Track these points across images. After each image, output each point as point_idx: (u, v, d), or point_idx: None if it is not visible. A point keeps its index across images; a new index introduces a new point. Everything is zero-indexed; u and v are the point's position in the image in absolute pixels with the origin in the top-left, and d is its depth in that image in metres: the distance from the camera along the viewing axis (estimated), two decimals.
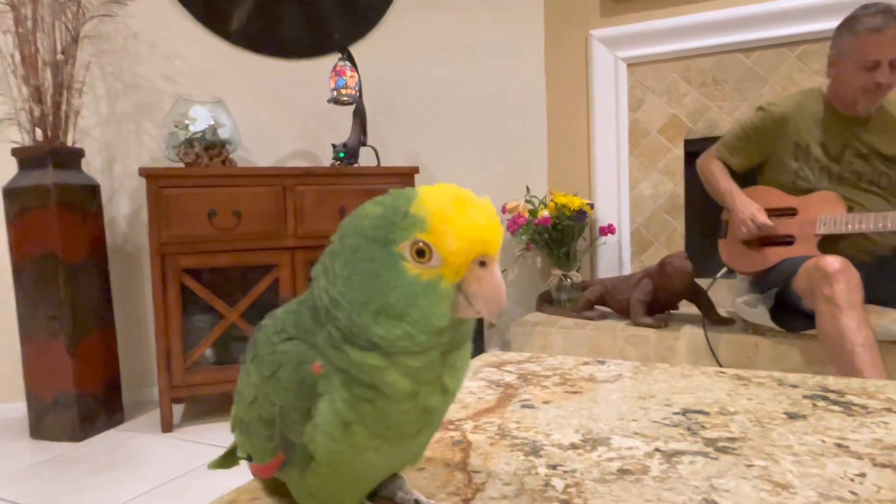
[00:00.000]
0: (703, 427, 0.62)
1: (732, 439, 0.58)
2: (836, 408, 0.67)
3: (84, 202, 1.90)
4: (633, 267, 2.61)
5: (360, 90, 2.18)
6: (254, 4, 2.36)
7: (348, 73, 2.14)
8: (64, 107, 1.92)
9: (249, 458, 0.46)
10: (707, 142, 2.31)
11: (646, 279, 2.10)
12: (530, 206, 2.48)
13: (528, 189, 2.56)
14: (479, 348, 2.34)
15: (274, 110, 2.42)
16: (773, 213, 1.81)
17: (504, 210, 2.49)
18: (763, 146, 1.87)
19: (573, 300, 2.45)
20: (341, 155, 2.13)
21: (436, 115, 2.63)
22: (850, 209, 1.73)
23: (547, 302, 2.52)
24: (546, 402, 0.72)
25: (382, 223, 0.35)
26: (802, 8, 2.25)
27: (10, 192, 1.84)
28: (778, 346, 1.83)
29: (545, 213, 2.39)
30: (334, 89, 2.14)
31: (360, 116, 2.20)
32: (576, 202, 2.39)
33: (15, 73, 1.91)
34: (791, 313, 1.70)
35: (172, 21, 2.27)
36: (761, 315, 1.80)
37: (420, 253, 0.34)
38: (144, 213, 2.09)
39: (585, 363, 0.90)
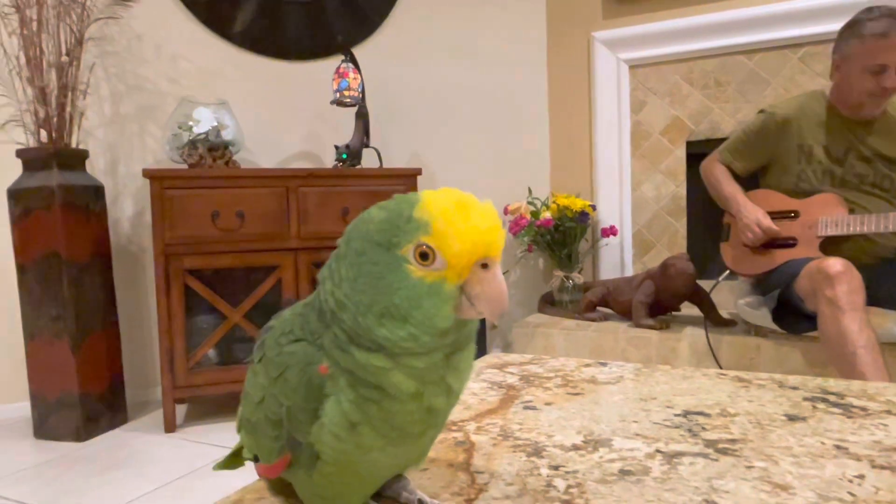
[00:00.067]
0: (704, 429, 0.63)
1: (733, 441, 0.59)
2: (836, 410, 0.67)
3: (88, 203, 1.91)
4: (635, 268, 2.61)
5: (363, 92, 2.19)
6: (257, 6, 2.37)
7: (351, 74, 2.15)
8: (68, 108, 1.93)
9: (255, 459, 0.47)
10: (709, 143, 2.32)
11: (648, 281, 2.11)
12: (532, 208, 2.49)
13: (530, 190, 2.57)
14: (481, 350, 2.34)
15: (277, 112, 2.43)
16: (774, 215, 1.81)
17: (506, 211, 2.49)
18: (766, 149, 1.87)
19: (575, 302, 2.45)
20: (344, 156, 2.14)
21: (438, 117, 2.64)
22: (851, 211, 1.73)
23: (549, 303, 2.52)
24: (548, 404, 0.72)
25: (387, 227, 0.36)
26: (805, 10, 2.25)
27: (14, 193, 1.85)
28: (780, 347, 1.84)
29: (547, 214, 2.40)
30: (337, 91, 2.15)
31: (362, 118, 2.21)
32: (578, 204, 2.40)
33: (20, 75, 1.92)
34: (793, 315, 1.70)
35: (176, 23, 2.28)
36: (763, 317, 1.80)
37: (423, 256, 0.35)
38: (148, 214, 2.10)
39: (587, 365, 0.90)
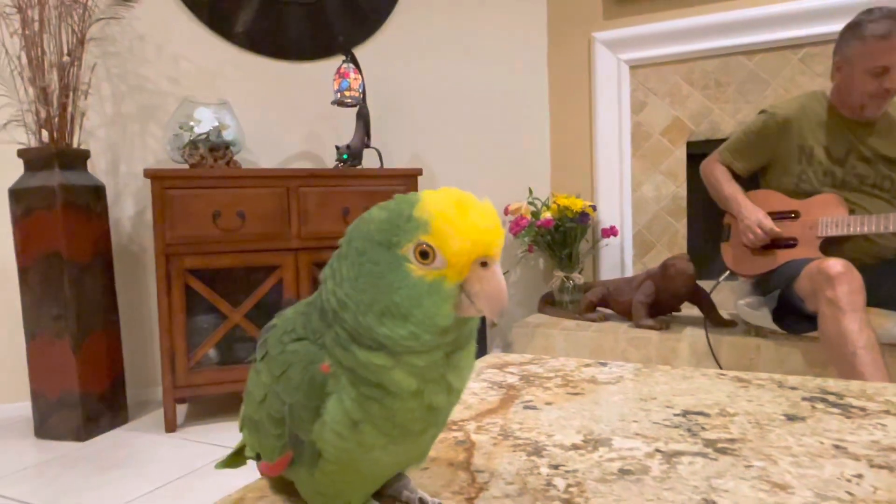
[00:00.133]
0: (703, 428, 0.63)
1: (732, 440, 0.59)
2: (834, 410, 0.68)
3: (89, 203, 1.91)
4: (636, 269, 2.61)
5: (363, 92, 2.19)
6: (258, 7, 2.37)
7: (352, 75, 2.15)
8: (70, 108, 1.93)
9: (257, 458, 0.47)
10: (709, 144, 2.32)
11: (648, 281, 2.11)
12: (533, 208, 2.49)
13: (530, 191, 2.57)
14: (481, 349, 2.34)
15: (278, 112, 2.43)
16: (774, 216, 1.81)
17: (507, 212, 2.50)
18: (767, 149, 1.87)
19: (575, 302, 2.45)
20: (345, 157, 2.14)
21: (439, 118, 2.64)
22: (851, 212, 1.73)
23: (549, 303, 2.52)
24: (548, 404, 0.72)
25: (387, 227, 0.36)
26: (805, 11, 2.25)
27: (16, 193, 1.86)
28: (780, 348, 1.84)
29: (547, 214, 2.40)
30: (338, 91, 2.15)
31: (363, 118, 2.21)
32: (578, 204, 2.40)
33: (21, 75, 1.92)
34: (793, 315, 1.70)
35: (178, 23, 2.29)
36: (763, 317, 1.81)
37: (424, 255, 0.35)
38: (149, 214, 2.10)
39: (587, 365, 0.91)
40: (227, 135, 2.08)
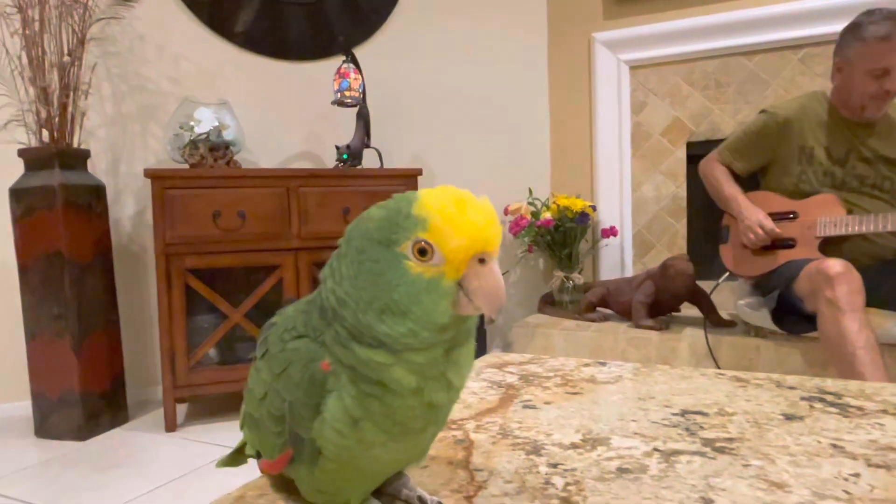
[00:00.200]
0: (702, 427, 0.63)
1: (730, 439, 0.59)
2: (832, 409, 0.68)
3: (90, 203, 1.91)
4: (635, 269, 2.61)
5: (363, 92, 2.19)
6: (259, 7, 2.37)
7: (352, 75, 2.15)
8: (70, 108, 1.93)
9: (258, 455, 0.48)
10: (709, 144, 2.32)
11: (648, 281, 2.11)
12: (532, 208, 2.49)
13: (530, 191, 2.57)
14: (481, 349, 2.34)
15: (278, 112, 2.43)
16: (773, 216, 1.81)
17: (506, 212, 2.50)
18: (767, 149, 1.87)
19: (575, 302, 2.45)
20: (345, 157, 2.14)
21: (439, 118, 2.64)
22: (850, 211, 1.73)
23: (549, 304, 2.52)
24: (547, 403, 0.73)
25: (386, 225, 0.36)
26: (805, 11, 2.25)
27: (16, 193, 1.86)
28: (779, 348, 1.84)
29: (547, 215, 2.40)
30: (338, 91, 2.16)
31: (363, 118, 2.22)
32: (578, 204, 2.40)
33: (22, 75, 1.93)
34: (793, 316, 1.71)
35: (178, 23, 2.29)
36: (763, 317, 1.81)
37: (422, 252, 0.35)
38: (149, 214, 2.10)
39: (586, 364, 0.91)
40: (227, 135, 2.08)
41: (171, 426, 1.90)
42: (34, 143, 1.91)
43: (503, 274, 0.37)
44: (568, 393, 0.77)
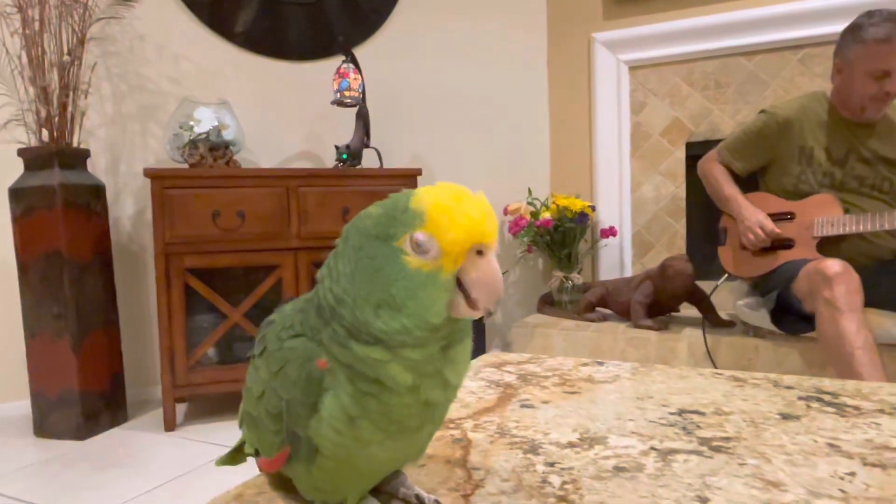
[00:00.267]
0: (699, 427, 0.63)
1: (727, 439, 0.60)
2: (829, 409, 0.68)
3: (89, 202, 1.92)
4: (635, 269, 2.62)
5: (363, 92, 2.20)
6: (258, 7, 2.38)
7: (352, 75, 2.16)
8: (70, 108, 1.93)
9: (256, 454, 0.48)
10: (709, 145, 2.32)
11: (647, 281, 2.11)
12: (532, 208, 2.49)
13: (530, 191, 2.58)
14: (480, 349, 2.35)
15: (278, 112, 2.43)
16: (770, 217, 1.81)
17: (506, 212, 2.50)
18: (767, 150, 1.87)
19: (574, 302, 2.46)
20: (344, 157, 2.14)
21: (438, 118, 2.64)
22: (847, 211, 1.74)
23: (548, 304, 2.53)
24: (545, 402, 0.73)
25: (384, 220, 0.37)
26: (805, 12, 2.26)
27: (16, 192, 1.86)
28: (778, 348, 1.84)
29: (547, 215, 2.40)
30: (338, 91, 2.16)
31: (363, 118, 2.22)
32: (577, 204, 2.40)
33: (22, 74, 1.93)
34: (791, 316, 1.71)
35: (178, 23, 2.29)
36: (762, 318, 1.81)
37: (420, 244, 0.36)
38: (149, 214, 2.10)
39: (584, 364, 0.91)
40: (227, 134, 2.08)
41: (170, 426, 1.90)
42: (34, 142, 1.91)
43: (503, 274, 0.37)
44: (566, 392, 0.77)
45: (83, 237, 1.89)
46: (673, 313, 2.25)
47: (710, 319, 2.06)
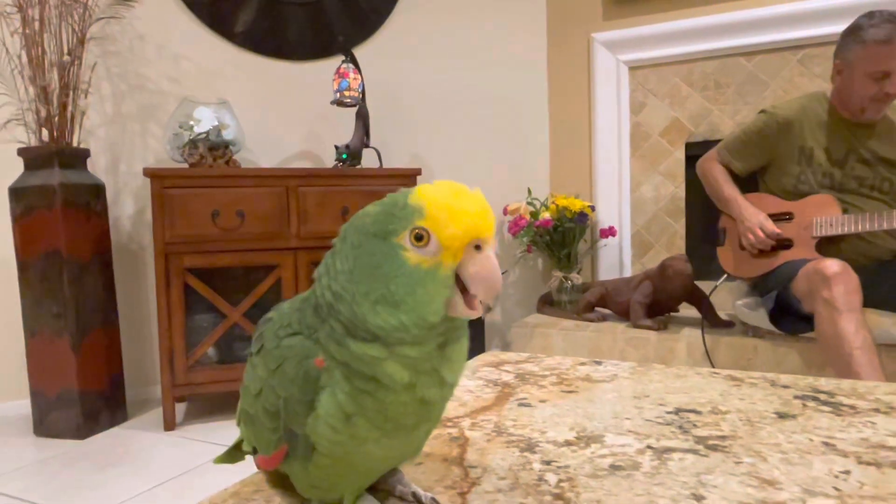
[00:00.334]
0: (695, 426, 0.63)
1: (723, 437, 0.60)
2: (825, 408, 0.68)
3: (89, 202, 1.92)
4: (634, 269, 2.62)
5: (363, 92, 2.20)
6: (258, 7, 2.38)
7: (351, 75, 2.16)
8: (70, 107, 1.94)
9: (254, 451, 0.48)
10: (708, 145, 2.32)
11: (646, 281, 2.12)
12: (531, 208, 2.50)
13: (529, 191, 2.58)
14: (479, 349, 2.35)
15: (278, 112, 2.44)
16: (770, 217, 1.81)
17: (505, 212, 2.50)
18: (766, 150, 1.87)
19: (574, 302, 2.46)
20: (344, 156, 2.15)
21: (438, 118, 2.65)
22: (846, 211, 1.74)
23: (548, 303, 2.53)
24: (542, 401, 0.73)
25: (382, 218, 0.37)
26: (804, 12, 2.26)
27: (16, 192, 1.86)
28: (777, 348, 1.84)
29: (546, 215, 2.41)
30: (337, 91, 2.16)
31: (362, 118, 2.22)
32: (577, 204, 2.40)
33: (22, 74, 1.93)
34: (790, 316, 1.71)
35: (178, 23, 2.30)
36: (761, 318, 1.81)
37: (418, 238, 0.36)
38: (148, 213, 2.11)
39: (582, 363, 0.91)
40: (227, 134, 2.09)
41: (169, 425, 1.90)
42: (34, 142, 1.92)
43: (502, 273, 0.38)
44: (563, 391, 0.77)
45: (83, 237, 1.89)
46: (672, 313, 2.25)
47: (710, 319, 2.06)
